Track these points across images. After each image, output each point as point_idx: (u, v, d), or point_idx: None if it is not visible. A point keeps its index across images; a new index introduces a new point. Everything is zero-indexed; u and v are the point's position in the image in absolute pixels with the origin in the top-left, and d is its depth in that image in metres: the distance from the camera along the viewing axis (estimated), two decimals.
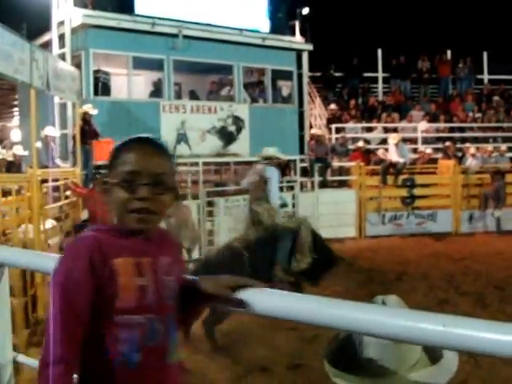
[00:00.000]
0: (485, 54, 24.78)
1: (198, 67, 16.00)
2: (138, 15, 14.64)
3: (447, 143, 19.25)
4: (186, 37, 15.00)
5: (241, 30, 16.06)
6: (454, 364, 1.99)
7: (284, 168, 17.26)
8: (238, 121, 15.78)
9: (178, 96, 15.70)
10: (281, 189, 16.36)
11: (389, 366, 1.94)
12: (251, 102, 16.62)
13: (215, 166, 17.58)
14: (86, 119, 12.65)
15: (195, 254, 13.93)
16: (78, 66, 13.42)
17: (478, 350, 1.48)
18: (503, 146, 19.89)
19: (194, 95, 16.36)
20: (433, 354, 2.00)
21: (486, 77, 24.99)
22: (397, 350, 1.93)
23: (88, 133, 12.60)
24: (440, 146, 19.71)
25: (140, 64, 14.73)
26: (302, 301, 1.82)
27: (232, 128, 15.72)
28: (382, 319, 1.60)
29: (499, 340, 1.44)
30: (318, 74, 21.80)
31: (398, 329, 1.58)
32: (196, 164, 15.29)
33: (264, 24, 16.84)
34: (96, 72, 14.12)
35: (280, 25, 17.18)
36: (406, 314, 1.66)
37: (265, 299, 1.84)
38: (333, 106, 20.62)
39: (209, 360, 7.99)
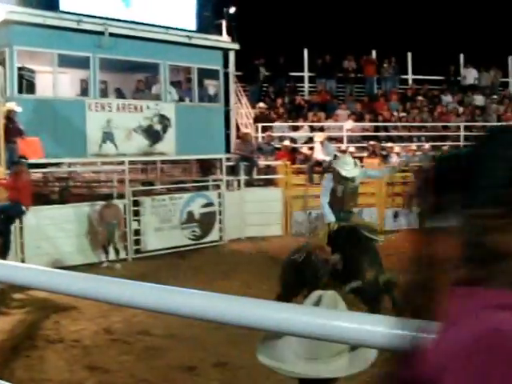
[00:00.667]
0: (409, 55, 25.88)
1: (124, 65, 16.14)
2: (63, 12, 14.61)
3: (372, 142, 20.16)
4: (112, 34, 15.05)
5: (167, 28, 16.25)
6: (371, 353, 2.04)
7: (208, 167, 17.84)
8: (164, 119, 16.01)
9: (104, 94, 15.76)
10: (206, 188, 16.97)
11: (312, 352, 2.03)
12: (178, 100, 16.87)
13: (142, 165, 17.91)
14: (9, 117, 12.84)
15: (122, 254, 14.42)
16: (1, 63, 13.53)
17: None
18: (427, 145, 20.84)
19: (120, 94, 16.48)
20: None
21: (410, 77, 26.01)
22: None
23: (12, 131, 12.81)
24: (365, 144, 20.56)
25: (66, 62, 14.69)
26: (222, 301, 1.81)
27: (158, 127, 15.94)
28: (298, 318, 1.60)
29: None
30: (245, 73, 22.15)
31: (315, 327, 1.59)
32: (122, 163, 15.47)
33: (191, 22, 17.00)
34: (20, 69, 14.08)
35: (207, 24, 17.43)
36: (322, 313, 1.71)
37: (188, 301, 1.82)
38: (261, 105, 21.17)
39: (137, 360, 8.26)
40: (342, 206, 9.55)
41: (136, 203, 15.12)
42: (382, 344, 1.45)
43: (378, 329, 1.44)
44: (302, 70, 24.61)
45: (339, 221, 9.42)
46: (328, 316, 1.57)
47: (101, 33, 15.00)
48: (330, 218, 9.52)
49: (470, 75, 26.19)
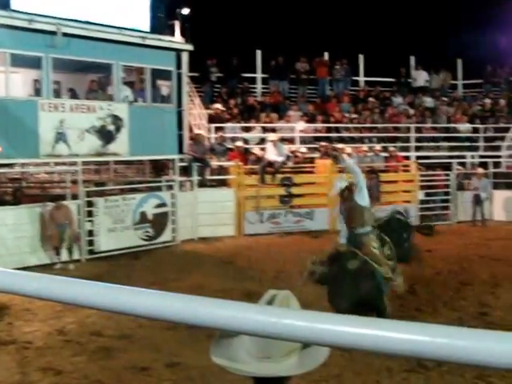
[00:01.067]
0: (361, 57, 26.44)
1: (77, 65, 16.12)
2: (14, 11, 14.52)
3: (322, 143, 20.67)
4: (65, 34, 15.00)
5: (121, 28, 16.25)
6: (323, 352, 2.08)
7: (161, 168, 18.07)
8: (117, 120, 16.05)
9: (57, 94, 15.66)
10: (159, 188, 17.21)
11: (264, 351, 2.09)
12: (131, 101, 16.88)
13: (95, 166, 18.02)
14: None
15: (75, 255, 14.64)
16: None
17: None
18: (378, 146, 21.40)
19: (73, 94, 16.43)
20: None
21: (361, 79, 26.58)
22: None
23: None
24: (317, 145, 20.97)
25: (18, 61, 14.63)
26: (169, 300, 1.70)
27: (111, 127, 15.97)
28: (251, 316, 1.55)
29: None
30: (198, 74, 22.39)
31: (267, 326, 1.53)
32: (75, 163, 15.55)
33: (144, 23, 17.04)
34: None
35: (160, 24, 17.49)
36: (274, 312, 1.65)
37: (143, 300, 1.71)
38: (217, 106, 21.37)
39: (89, 361, 8.34)
40: (348, 225, 9.63)
41: (89, 204, 15.23)
42: (332, 342, 1.47)
43: (329, 327, 1.44)
44: (255, 72, 25.00)
45: (349, 242, 9.49)
46: (280, 314, 1.55)
47: (53, 32, 14.90)
48: (341, 239, 9.77)
49: (421, 77, 26.90)
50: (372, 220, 9.77)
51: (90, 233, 15.21)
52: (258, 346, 2.13)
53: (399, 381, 7.38)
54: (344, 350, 2.09)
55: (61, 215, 14.11)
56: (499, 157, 22.48)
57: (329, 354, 2.08)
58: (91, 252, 15.16)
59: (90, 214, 15.24)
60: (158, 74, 17.47)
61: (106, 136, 15.99)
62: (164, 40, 17.47)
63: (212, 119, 20.90)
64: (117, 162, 17.78)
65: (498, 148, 23.08)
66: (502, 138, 23.25)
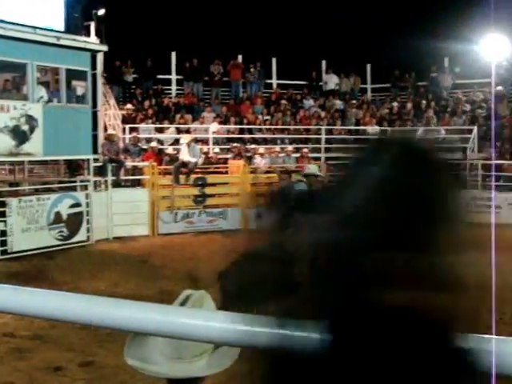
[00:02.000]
0: (274, 60, 27.09)
1: None
2: None
3: (235, 144, 21.02)
4: None
5: (35, 28, 16.04)
6: (234, 351, 2.06)
7: (76, 168, 17.99)
8: (31, 120, 15.84)
9: None
10: (74, 188, 17.16)
11: (176, 352, 2.10)
12: (46, 101, 16.67)
13: (9, 166, 17.74)
14: None
15: None
16: None
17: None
18: (290, 147, 21.95)
19: None
20: None
21: (274, 81, 27.22)
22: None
23: None
24: (230, 146, 21.33)
25: None
26: (73, 300, 1.73)
27: (25, 127, 15.74)
28: (160, 318, 1.57)
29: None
30: (112, 74, 22.38)
31: (177, 326, 1.57)
32: None
33: (59, 23, 16.87)
34: None
35: (75, 25, 17.37)
36: (183, 313, 1.71)
37: (49, 302, 1.73)
38: (129, 107, 21.48)
39: (1, 362, 8.17)
40: None
41: (2, 204, 15.07)
42: (242, 342, 1.45)
43: (238, 327, 1.42)
44: (170, 73, 25.25)
45: None
46: (190, 315, 1.54)
47: None
48: None
49: (331, 81, 27.67)
50: None
51: (4, 233, 14.99)
52: (171, 347, 2.12)
53: None
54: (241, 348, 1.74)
55: None
56: None
57: (238, 353, 2.07)
58: (4, 252, 14.93)
59: (3, 214, 15.03)
60: (73, 75, 17.28)
61: (20, 136, 15.74)
62: (79, 40, 17.31)
63: (125, 120, 20.96)
64: (31, 162, 17.57)
65: None
66: None
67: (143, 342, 2.17)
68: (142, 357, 2.16)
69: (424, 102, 25.98)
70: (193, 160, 18.83)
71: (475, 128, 23.25)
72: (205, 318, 1.52)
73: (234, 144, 21.15)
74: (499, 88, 25.13)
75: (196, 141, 20.31)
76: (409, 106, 26.26)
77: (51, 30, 16.61)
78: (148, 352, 2.16)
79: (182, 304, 2.24)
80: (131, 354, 2.17)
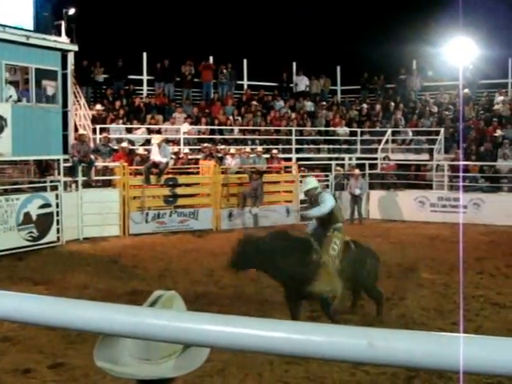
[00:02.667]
0: (245, 62, 27.15)
1: None
2: None
3: (206, 144, 21.03)
4: None
5: (4, 26, 15.87)
6: (204, 351, 2.11)
7: (46, 168, 17.83)
8: (0, 120, 15.66)
9: None
10: (44, 189, 17.03)
11: (145, 353, 2.11)
12: (15, 100, 16.49)
13: None
14: None
15: None
16: None
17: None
18: (260, 148, 21.97)
19: None
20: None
21: (245, 83, 27.30)
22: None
23: None
24: (201, 147, 21.29)
25: None
26: (32, 302, 1.66)
27: None
28: (124, 318, 1.55)
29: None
30: (83, 74, 22.19)
31: (142, 327, 1.53)
32: None
33: (28, 22, 16.70)
34: None
35: (45, 24, 17.22)
36: (147, 313, 1.63)
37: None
38: (98, 107, 21.31)
39: None
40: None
41: None
42: (208, 342, 1.46)
43: (205, 327, 1.43)
44: (141, 74, 25.18)
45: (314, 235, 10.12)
46: (158, 316, 1.52)
47: None
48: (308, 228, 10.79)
49: (302, 82, 27.88)
50: (342, 218, 10.80)
51: None
52: (139, 348, 2.12)
53: (280, 373, 7.63)
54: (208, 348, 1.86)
55: None
56: (375, 159, 23.57)
57: (208, 354, 2.13)
58: None
59: None
60: (42, 74, 17.07)
61: None
62: (49, 40, 17.16)
63: (95, 120, 20.83)
64: (0, 162, 17.38)
65: (374, 151, 24.19)
66: (378, 142, 24.38)
67: (113, 343, 2.18)
68: (111, 358, 2.16)
69: (392, 103, 26.30)
70: (164, 160, 18.78)
71: (442, 130, 23.57)
72: (172, 319, 1.51)
73: (205, 144, 21.11)
74: (466, 91, 25.50)
75: (167, 141, 20.26)
76: (378, 107, 26.58)
77: (21, 29, 16.44)
78: (117, 353, 2.16)
79: (152, 305, 2.26)
80: (101, 356, 2.17)
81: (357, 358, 1.33)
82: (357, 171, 21.87)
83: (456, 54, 25.54)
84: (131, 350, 2.14)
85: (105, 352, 2.17)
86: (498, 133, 23.19)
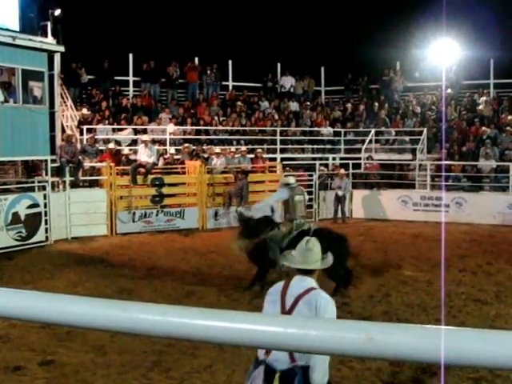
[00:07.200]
0: (230, 62, 27.25)
1: None
2: None
3: (186, 145, 20.98)
4: None
5: None
6: (329, 260, 5.22)
7: (33, 168, 17.81)
8: None
9: None
10: (32, 189, 17.01)
11: (303, 259, 4.89)
12: (2, 101, 16.35)
13: None
14: None
15: None
16: None
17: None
18: (244, 148, 22.14)
19: None
20: None
21: (230, 83, 27.38)
22: None
23: None
24: (182, 147, 21.25)
25: None
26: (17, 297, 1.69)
27: None
28: (115, 313, 1.56)
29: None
30: (69, 75, 22.10)
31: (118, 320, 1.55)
32: None
33: (14, 23, 16.54)
34: None
35: (31, 24, 17.08)
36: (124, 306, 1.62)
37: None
38: (85, 111, 21.24)
39: None
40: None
41: None
42: (184, 335, 1.47)
43: (193, 322, 1.44)
44: (127, 75, 25.20)
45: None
46: (146, 311, 1.52)
47: None
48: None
49: (288, 82, 28.00)
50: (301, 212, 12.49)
51: None
52: (301, 258, 4.76)
53: None
54: (197, 342, 1.72)
55: None
56: (359, 159, 23.72)
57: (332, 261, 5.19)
58: None
59: None
60: (29, 75, 16.96)
61: None
62: (35, 40, 17.03)
63: (82, 121, 20.86)
64: None
65: (357, 151, 24.34)
66: (362, 142, 24.54)
67: (286, 256, 5.00)
68: (288, 261, 4.91)
69: (376, 104, 26.40)
70: (150, 160, 18.84)
71: (425, 130, 23.74)
72: (164, 314, 1.52)
73: (186, 144, 21.11)
74: (448, 91, 25.72)
75: (153, 142, 20.28)
76: (361, 108, 26.70)
77: (6, 30, 16.30)
78: (291, 258, 4.89)
79: (306, 244, 4.88)
80: (283, 260, 5.09)
81: (355, 351, 1.36)
82: (342, 171, 21.99)
83: (439, 55, 25.76)
84: (297, 258, 4.79)
85: (283, 258, 5.06)
86: (483, 129, 23.28)
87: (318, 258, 4.78)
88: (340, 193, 21.45)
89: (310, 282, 4.60)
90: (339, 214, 21.50)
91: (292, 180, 12.82)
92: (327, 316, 4.24)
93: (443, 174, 19.84)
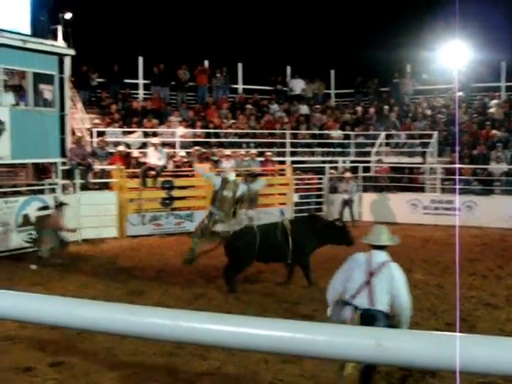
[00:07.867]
0: (240, 65, 27.25)
1: None
2: None
3: (195, 147, 21.03)
4: None
5: (1, 30, 15.96)
6: (396, 239, 7.28)
7: (44, 171, 17.89)
8: None
9: None
10: (42, 191, 17.06)
11: (376, 238, 7.03)
12: (13, 104, 16.55)
13: None
14: None
15: None
16: None
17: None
18: (253, 151, 22.08)
19: None
20: None
21: (240, 86, 27.36)
22: None
23: None
24: (192, 150, 21.25)
25: None
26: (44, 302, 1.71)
27: None
28: (124, 317, 1.57)
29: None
30: (79, 78, 22.23)
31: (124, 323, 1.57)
32: None
33: (25, 26, 16.78)
34: None
35: (42, 28, 17.27)
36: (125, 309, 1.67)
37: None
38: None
39: None
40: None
41: None
42: (195, 340, 1.47)
43: (202, 326, 1.45)
44: (137, 78, 25.24)
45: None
46: (155, 315, 1.53)
47: None
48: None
49: (297, 86, 27.96)
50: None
51: None
52: (375, 237, 6.88)
53: (276, 371, 7.63)
54: (208, 347, 1.64)
55: None
56: (369, 162, 23.67)
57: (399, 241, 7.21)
58: None
59: None
60: (40, 78, 17.16)
61: None
62: (46, 44, 17.24)
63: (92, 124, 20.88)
64: None
65: (367, 154, 24.28)
66: (372, 145, 24.48)
67: (368, 236, 7.07)
68: (368, 240, 7.02)
69: (386, 107, 26.30)
70: (160, 163, 18.87)
71: (435, 133, 23.67)
72: (173, 318, 1.52)
73: (196, 147, 21.13)
74: (459, 94, 25.63)
75: (163, 144, 20.30)
76: (371, 111, 26.59)
77: (17, 33, 16.51)
78: (370, 238, 7.00)
79: (379, 229, 7.04)
80: (364, 240, 7.15)
81: (364, 357, 1.37)
82: (347, 174, 21.92)
83: (450, 58, 25.67)
84: (374, 238, 6.88)
85: (365, 238, 7.06)
86: (494, 132, 23.19)
87: (387, 238, 6.95)
88: (346, 196, 21.40)
89: (386, 254, 6.81)
90: (346, 217, 21.40)
91: (232, 176, 13.56)
92: (398, 276, 6.55)
93: (457, 177, 19.77)
